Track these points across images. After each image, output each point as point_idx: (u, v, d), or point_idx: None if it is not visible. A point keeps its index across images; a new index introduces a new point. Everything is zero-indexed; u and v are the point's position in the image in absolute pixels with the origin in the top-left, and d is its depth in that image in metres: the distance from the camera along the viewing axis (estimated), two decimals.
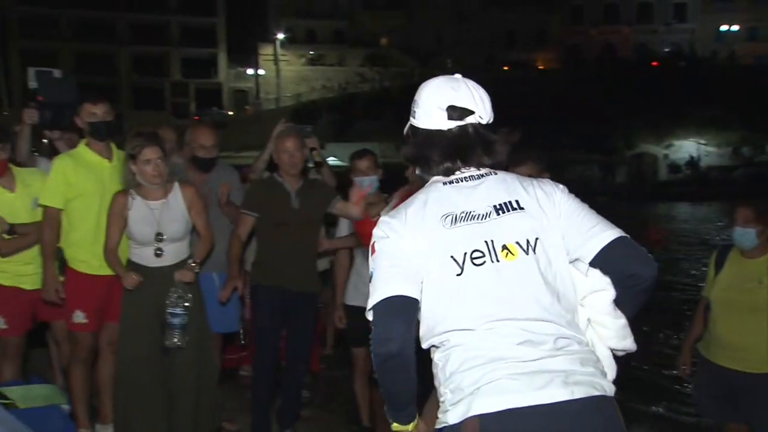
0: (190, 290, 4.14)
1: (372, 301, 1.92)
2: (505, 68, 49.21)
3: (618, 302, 1.99)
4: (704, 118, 40.98)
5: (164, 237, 4.14)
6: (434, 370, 1.95)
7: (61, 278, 4.31)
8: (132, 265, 4.24)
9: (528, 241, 1.92)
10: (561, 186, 2.06)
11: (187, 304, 4.08)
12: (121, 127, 4.55)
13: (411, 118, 2.09)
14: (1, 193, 4.39)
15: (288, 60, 55.66)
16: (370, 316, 1.93)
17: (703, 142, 42.73)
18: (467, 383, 1.83)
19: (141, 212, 4.15)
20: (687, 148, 42.95)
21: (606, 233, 1.96)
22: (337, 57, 57.36)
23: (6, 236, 4.33)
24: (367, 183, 4.58)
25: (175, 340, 4.09)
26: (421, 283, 1.91)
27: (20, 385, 3.72)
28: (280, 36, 54.39)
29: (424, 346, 1.95)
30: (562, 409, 1.77)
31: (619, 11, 56.84)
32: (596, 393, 1.83)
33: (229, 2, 54.39)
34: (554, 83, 44.01)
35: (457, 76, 2.12)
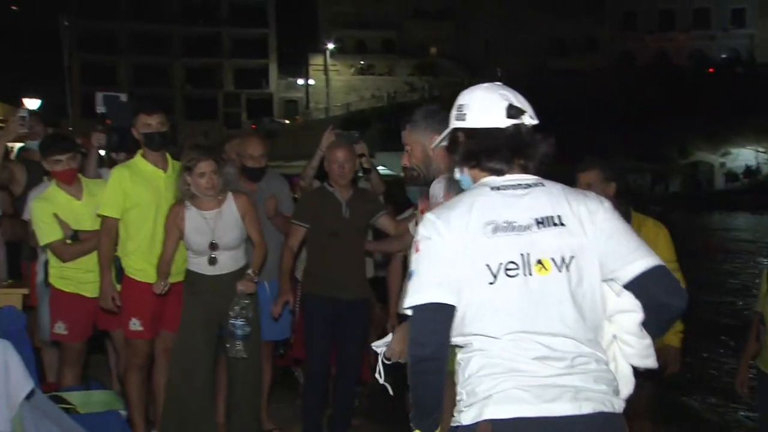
0: (251, 301, 4.23)
1: (411, 302, 1.99)
2: (555, 76, 48.77)
3: (645, 324, 2.05)
4: (763, 126, 39.92)
5: (219, 246, 4.24)
6: (456, 368, 2.04)
7: (119, 286, 4.42)
8: (190, 275, 4.35)
9: (563, 258, 1.98)
10: (606, 203, 2.09)
11: (249, 314, 4.17)
12: (176, 137, 4.66)
13: (458, 121, 2.15)
14: (69, 200, 4.52)
15: (338, 70, 56.15)
16: (408, 313, 2.00)
17: (761, 150, 41.63)
18: (482, 389, 1.93)
19: (196, 222, 4.26)
20: (744, 156, 41.90)
21: (644, 260, 2.01)
22: (387, 67, 57.62)
23: (69, 242, 4.46)
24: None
25: (238, 349, 4.19)
26: (460, 289, 1.97)
27: (80, 391, 3.82)
28: (331, 46, 54.90)
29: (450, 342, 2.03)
30: (569, 423, 1.87)
31: (674, 18, 55.84)
32: (605, 409, 1.91)
33: (280, 14, 55.16)
34: (605, 91, 43.41)
35: (498, 83, 2.21)
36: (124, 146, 4.83)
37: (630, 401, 2.04)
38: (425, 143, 2.93)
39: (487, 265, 1.96)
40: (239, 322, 4.15)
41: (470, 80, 48.71)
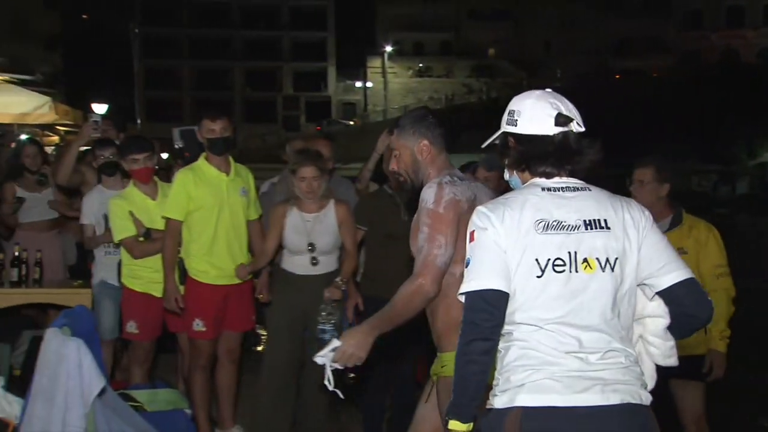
0: (337, 307, 4.33)
1: (466, 288, 2.13)
2: (617, 76, 47.88)
3: (670, 328, 2.25)
4: None
5: (316, 247, 4.40)
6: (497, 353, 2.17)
7: (182, 288, 4.52)
8: (282, 273, 4.47)
9: (608, 260, 2.12)
10: (647, 213, 2.23)
11: (334, 321, 4.26)
12: (235, 140, 4.79)
13: (509, 126, 2.27)
14: (144, 199, 4.73)
15: (395, 72, 56.26)
16: (462, 299, 2.15)
17: None
18: (516, 378, 2.08)
19: (295, 222, 4.42)
20: None
21: (678, 272, 2.18)
22: (444, 68, 57.47)
23: (141, 239, 4.64)
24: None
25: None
26: (510, 278, 2.11)
27: (147, 389, 3.93)
28: (388, 49, 55.05)
29: None
30: (597, 413, 2.01)
31: (743, 15, 54.22)
32: (632, 401, 2.06)
33: (339, 17, 55.56)
34: (670, 91, 42.40)
35: (549, 90, 2.33)
36: None
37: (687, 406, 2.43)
38: (413, 148, 2.95)
39: (536, 260, 2.10)
40: (328, 327, 4.22)
41: (529, 81, 48.37)
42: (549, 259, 2.10)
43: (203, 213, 4.49)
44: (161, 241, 4.58)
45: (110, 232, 4.82)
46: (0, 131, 13.17)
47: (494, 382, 2.14)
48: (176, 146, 5.26)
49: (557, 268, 2.10)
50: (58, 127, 15.57)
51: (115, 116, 7.31)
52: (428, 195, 2.74)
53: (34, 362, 3.45)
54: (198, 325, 4.45)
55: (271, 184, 5.44)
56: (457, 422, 2.11)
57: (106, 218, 5.03)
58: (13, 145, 9.42)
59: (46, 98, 13.44)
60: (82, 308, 3.65)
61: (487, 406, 2.12)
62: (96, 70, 34.27)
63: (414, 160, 2.95)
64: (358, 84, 56.34)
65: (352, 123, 50.20)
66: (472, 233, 2.17)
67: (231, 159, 4.65)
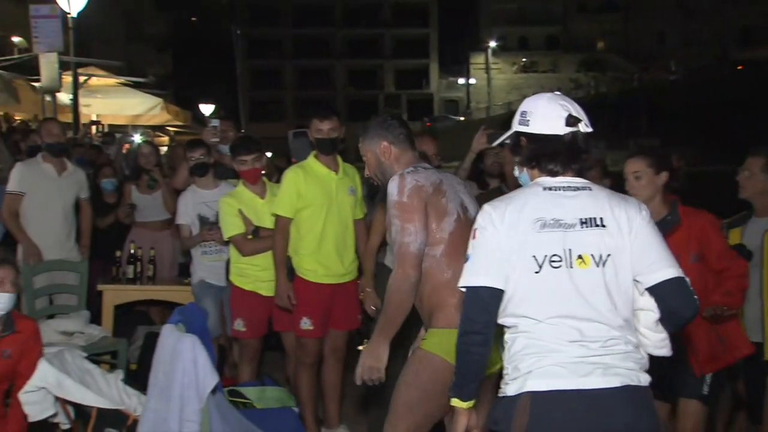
0: None
1: (464, 282, 2.37)
2: (740, 67, 45.62)
3: (661, 321, 2.39)
4: None
5: None
6: (504, 344, 2.40)
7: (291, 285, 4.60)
8: (387, 270, 4.48)
9: (601, 256, 2.31)
10: (645, 211, 2.41)
11: None
12: (343, 140, 4.86)
13: (521, 126, 2.47)
14: (252, 198, 4.86)
15: (499, 68, 55.73)
16: (462, 290, 2.38)
17: None
18: (523, 366, 2.28)
19: None
20: None
21: (666, 270, 2.34)
22: (550, 63, 56.47)
23: (250, 237, 4.76)
24: None
25: None
26: (508, 275, 2.32)
27: (256, 387, 4.03)
28: (492, 44, 54.58)
29: (498, 321, 2.36)
30: (600, 395, 2.23)
31: None
32: (631, 383, 2.26)
33: (442, 13, 55.50)
34: None
35: (558, 93, 2.55)
36: None
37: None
38: (375, 151, 3.21)
39: (534, 257, 2.30)
40: None
41: (641, 75, 46.78)
42: (546, 256, 2.30)
43: (312, 211, 4.56)
44: (270, 239, 4.67)
45: (213, 230, 5.00)
46: (116, 133, 13.91)
47: (504, 372, 2.36)
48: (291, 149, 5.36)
49: (554, 264, 2.29)
50: (168, 128, 16.31)
51: (234, 116, 7.61)
52: (392, 188, 2.97)
53: (149, 357, 3.61)
54: (306, 323, 4.51)
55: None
56: (458, 401, 2.39)
57: (200, 218, 5.21)
58: (127, 146, 9.90)
59: (158, 100, 14.13)
60: (194, 305, 3.77)
61: (500, 394, 2.35)
62: (202, 71, 35.54)
63: (378, 161, 3.21)
64: (461, 81, 56.09)
65: (462, 119, 49.86)
66: (474, 231, 2.40)
67: (339, 158, 4.71)
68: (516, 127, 2.49)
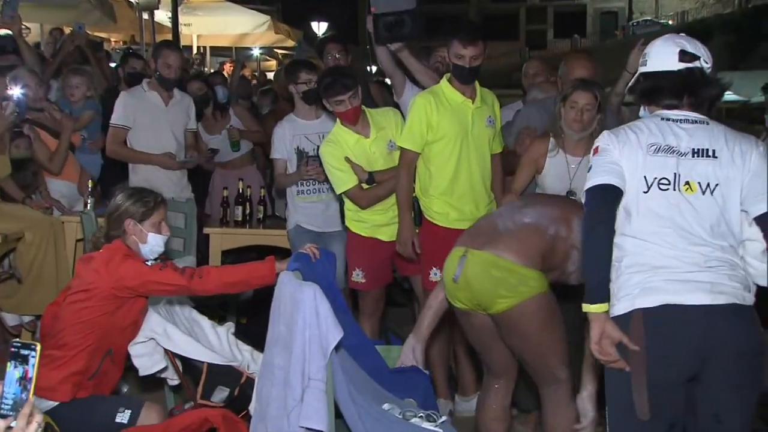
0: None
1: (589, 185, 2.86)
2: None
3: None
4: None
5: (576, 196, 4.24)
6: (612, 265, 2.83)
7: (417, 230, 4.64)
8: None
9: (708, 184, 2.79)
10: (762, 147, 2.87)
11: None
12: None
13: (641, 67, 3.02)
14: (357, 140, 4.77)
15: None
16: (586, 196, 2.87)
17: None
18: (632, 284, 2.76)
19: (557, 167, 4.40)
20: None
21: None
22: None
23: (365, 186, 4.76)
24: None
25: None
26: (626, 180, 2.82)
27: (381, 344, 4.13)
28: None
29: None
30: (706, 311, 2.67)
31: None
32: (737, 302, 2.71)
33: None
34: None
35: (682, 34, 3.05)
36: (396, 35, 4.75)
37: None
38: None
39: (644, 177, 2.81)
40: None
41: None
42: (656, 178, 2.80)
43: (444, 145, 4.55)
44: (390, 182, 4.69)
45: (312, 165, 5.11)
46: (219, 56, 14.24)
47: (612, 292, 2.78)
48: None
49: (662, 186, 2.80)
50: (276, 50, 16.59)
51: (349, 37, 7.61)
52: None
53: (260, 310, 3.75)
54: (436, 274, 4.50)
55: (517, 112, 5.42)
56: (589, 305, 2.75)
57: (298, 152, 5.26)
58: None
59: (266, 17, 14.34)
60: (324, 251, 3.84)
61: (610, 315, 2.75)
62: None
63: None
64: None
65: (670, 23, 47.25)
66: (596, 149, 2.92)
67: (477, 83, 4.67)
68: (639, 69, 3.06)
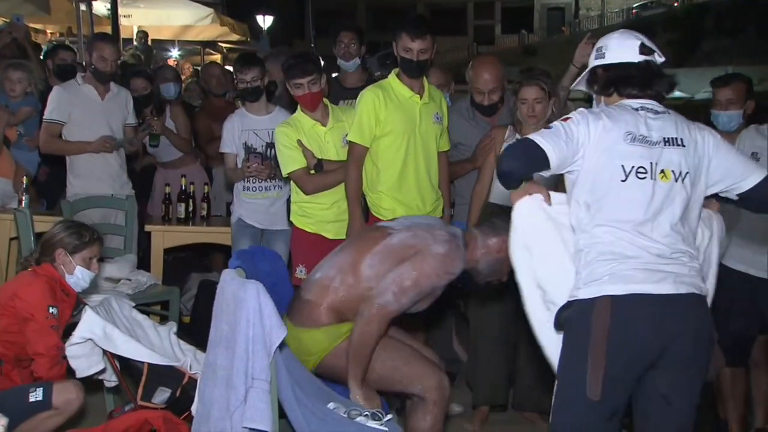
0: None
1: (532, 137, 2.91)
2: None
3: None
4: None
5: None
6: (577, 250, 2.99)
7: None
8: (491, 207, 4.54)
9: (680, 172, 2.93)
10: (716, 134, 3.07)
11: None
12: (432, 62, 4.79)
13: (597, 60, 3.11)
14: (313, 125, 4.82)
15: None
16: (519, 141, 3.05)
17: None
18: (600, 270, 2.86)
19: None
20: None
21: (757, 173, 3.02)
22: None
23: (312, 172, 4.76)
24: None
25: None
26: (564, 161, 2.90)
27: None
28: None
29: (578, 229, 2.98)
30: (670, 299, 2.82)
31: None
32: (695, 291, 2.88)
33: None
34: None
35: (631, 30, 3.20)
36: None
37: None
38: None
39: (622, 166, 2.89)
40: None
41: None
42: (633, 167, 2.89)
43: (392, 140, 4.57)
44: (337, 173, 4.70)
45: (254, 163, 5.12)
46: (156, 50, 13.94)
47: (576, 276, 2.93)
48: (375, 75, 5.31)
49: (640, 175, 2.89)
50: (220, 43, 16.42)
51: (281, 32, 7.49)
52: None
53: (203, 309, 3.71)
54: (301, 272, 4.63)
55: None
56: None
57: (246, 147, 5.25)
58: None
59: (209, 10, 14.16)
60: (257, 248, 3.85)
61: (570, 299, 2.92)
62: None
63: None
64: None
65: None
66: (567, 118, 2.96)
67: (425, 79, 4.68)
68: (592, 63, 3.15)
